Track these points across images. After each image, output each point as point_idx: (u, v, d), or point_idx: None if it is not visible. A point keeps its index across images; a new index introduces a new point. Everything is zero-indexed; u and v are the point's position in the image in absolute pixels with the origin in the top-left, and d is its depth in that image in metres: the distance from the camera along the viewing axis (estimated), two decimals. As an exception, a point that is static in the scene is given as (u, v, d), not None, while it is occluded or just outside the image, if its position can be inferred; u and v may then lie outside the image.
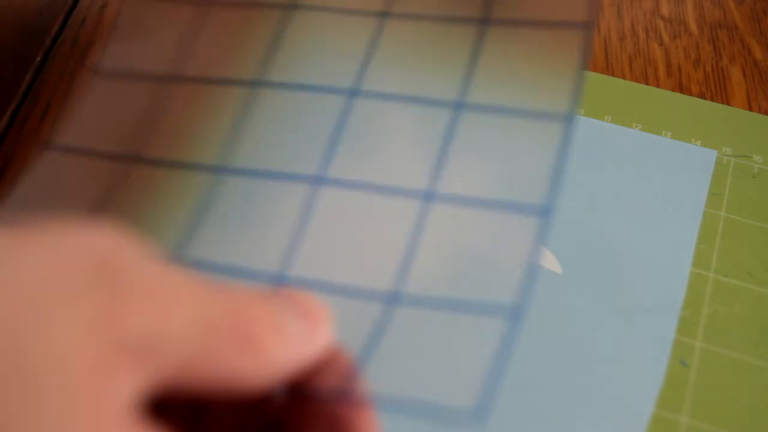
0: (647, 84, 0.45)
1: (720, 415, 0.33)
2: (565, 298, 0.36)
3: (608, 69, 0.46)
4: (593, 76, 0.45)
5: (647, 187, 0.40)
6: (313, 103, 0.31)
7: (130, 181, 0.30)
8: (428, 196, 0.29)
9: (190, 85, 0.33)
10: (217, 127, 0.31)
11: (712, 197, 0.40)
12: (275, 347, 0.21)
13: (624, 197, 0.39)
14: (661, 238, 0.38)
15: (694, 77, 0.46)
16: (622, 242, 0.38)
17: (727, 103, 0.45)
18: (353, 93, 0.32)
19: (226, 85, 0.32)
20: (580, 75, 0.30)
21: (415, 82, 0.32)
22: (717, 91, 0.45)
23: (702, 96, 0.45)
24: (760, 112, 0.44)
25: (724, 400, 0.34)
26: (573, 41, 0.31)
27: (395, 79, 0.32)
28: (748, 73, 0.46)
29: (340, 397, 0.23)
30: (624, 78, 0.46)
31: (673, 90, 0.45)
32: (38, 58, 0.45)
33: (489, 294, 0.27)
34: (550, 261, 0.37)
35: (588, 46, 0.31)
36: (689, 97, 0.45)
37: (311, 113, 0.31)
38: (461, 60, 0.32)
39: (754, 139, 0.42)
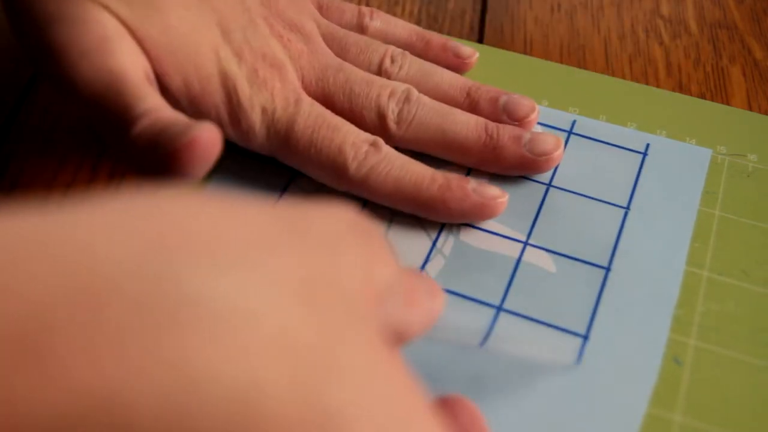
0: (647, 84, 0.45)
1: (714, 413, 0.33)
2: (559, 296, 0.36)
3: (608, 69, 0.46)
4: (590, 75, 0.45)
5: (641, 185, 0.40)
6: None
7: None
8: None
9: None
10: None
11: (707, 196, 0.40)
12: (425, 303, 0.27)
13: (618, 195, 0.39)
14: (656, 237, 0.38)
15: (694, 77, 0.46)
16: (616, 240, 0.38)
17: (727, 103, 0.45)
18: None
19: None
20: None
21: None
22: (717, 90, 0.45)
23: (702, 96, 0.45)
24: (760, 112, 0.44)
25: (718, 398, 0.33)
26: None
27: None
28: (748, 73, 0.46)
29: None
30: (624, 78, 0.46)
31: (673, 90, 0.45)
32: (39, 58, 0.46)
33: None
34: (543, 260, 0.37)
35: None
36: (684, 95, 0.45)
37: None
38: None
39: (748, 138, 0.42)
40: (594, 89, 0.44)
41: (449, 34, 0.48)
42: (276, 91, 0.38)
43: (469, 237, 0.38)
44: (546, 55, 0.47)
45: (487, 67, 0.45)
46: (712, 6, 0.50)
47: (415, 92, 0.40)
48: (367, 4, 0.49)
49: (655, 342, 0.35)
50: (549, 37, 0.48)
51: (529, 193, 0.40)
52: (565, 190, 0.40)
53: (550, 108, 0.43)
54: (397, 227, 0.38)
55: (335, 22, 0.44)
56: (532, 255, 0.37)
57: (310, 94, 0.40)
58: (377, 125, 0.40)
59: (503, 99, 0.41)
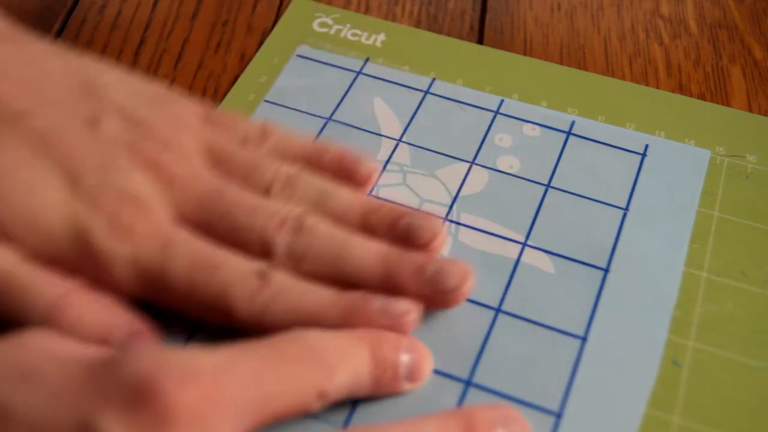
0: (647, 84, 0.45)
1: (712, 414, 0.33)
2: (558, 298, 0.36)
3: (608, 69, 0.46)
4: (588, 76, 0.45)
5: (640, 186, 0.40)
6: None
7: None
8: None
9: None
10: None
11: (706, 197, 0.40)
12: None
13: (617, 196, 0.39)
14: (654, 238, 0.38)
15: (694, 77, 0.46)
16: (615, 241, 0.38)
17: (727, 104, 0.45)
18: None
19: None
20: None
21: None
22: (717, 91, 0.45)
23: (702, 96, 0.45)
24: (759, 112, 0.44)
25: (717, 400, 0.33)
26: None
27: None
28: (748, 73, 0.46)
29: None
30: (624, 78, 0.46)
31: (673, 90, 0.45)
32: (39, 59, 0.46)
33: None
34: (542, 261, 0.37)
35: None
36: (683, 96, 0.45)
37: None
38: None
39: (747, 139, 0.42)
40: (593, 90, 0.44)
41: (449, 34, 0.48)
42: (141, 236, 0.34)
43: (468, 238, 0.38)
44: (546, 56, 0.47)
45: (486, 68, 0.45)
46: (712, 6, 0.50)
47: (308, 221, 0.35)
48: (367, 6, 0.49)
49: (653, 343, 0.35)
50: (549, 38, 0.48)
51: (527, 193, 0.40)
52: (564, 191, 0.40)
53: (549, 109, 0.43)
54: (395, 228, 0.38)
55: (222, 139, 0.39)
56: (530, 256, 0.37)
57: (188, 223, 0.35)
58: (265, 260, 0.35)
59: (403, 224, 0.36)
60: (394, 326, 0.33)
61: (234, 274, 0.33)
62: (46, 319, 0.32)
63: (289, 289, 0.33)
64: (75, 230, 0.33)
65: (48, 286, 0.32)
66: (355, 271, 0.34)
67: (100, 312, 0.33)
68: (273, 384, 0.29)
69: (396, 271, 0.34)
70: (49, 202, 0.33)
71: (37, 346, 0.27)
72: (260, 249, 0.34)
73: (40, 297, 0.32)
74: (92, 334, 0.32)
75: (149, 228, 0.34)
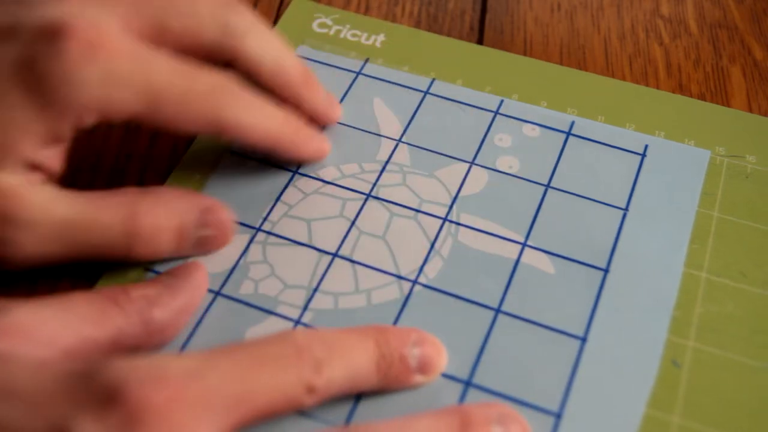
0: (647, 84, 0.45)
1: (712, 414, 0.33)
2: (557, 298, 0.36)
3: (608, 69, 0.46)
4: (588, 77, 0.45)
5: (640, 186, 0.40)
6: None
7: None
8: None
9: None
10: None
11: (705, 197, 0.40)
12: None
13: (616, 197, 0.39)
14: (654, 238, 0.38)
15: (694, 77, 0.46)
16: (614, 242, 0.38)
17: (727, 104, 0.45)
18: None
19: None
20: None
21: None
22: (717, 91, 0.45)
23: (702, 96, 0.45)
24: (759, 112, 0.44)
25: (717, 400, 0.33)
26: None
27: None
28: (748, 74, 0.46)
29: None
30: (624, 78, 0.46)
31: (673, 90, 0.45)
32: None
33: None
34: (542, 261, 0.37)
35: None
36: (682, 96, 0.45)
37: None
38: None
39: (747, 139, 0.42)
40: (592, 90, 0.44)
41: (449, 34, 0.48)
42: (106, 52, 0.32)
43: (468, 238, 0.38)
44: (546, 56, 0.47)
45: (486, 68, 0.45)
46: (712, 6, 0.50)
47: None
48: (367, 7, 0.49)
49: (653, 343, 0.35)
50: (549, 38, 0.48)
51: (527, 194, 0.40)
52: (563, 191, 0.40)
53: (549, 109, 0.43)
54: (395, 228, 0.38)
55: None
56: (530, 256, 0.37)
57: (141, 36, 0.34)
58: (219, 41, 0.36)
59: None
60: (323, 149, 0.40)
61: (210, 81, 0.35)
62: (129, 242, 0.34)
63: (253, 102, 0.36)
64: (29, 74, 0.32)
65: (111, 212, 0.34)
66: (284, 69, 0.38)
67: (166, 207, 0.35)
68: (253, 381, 0.29)
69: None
70: None
71: (11, 360, 0.28)
72: (216, 29, 0.36)
73: (110, 227, 0.34)
74: (170, 230, 0.35)
75: (109, 42, 0.32)
